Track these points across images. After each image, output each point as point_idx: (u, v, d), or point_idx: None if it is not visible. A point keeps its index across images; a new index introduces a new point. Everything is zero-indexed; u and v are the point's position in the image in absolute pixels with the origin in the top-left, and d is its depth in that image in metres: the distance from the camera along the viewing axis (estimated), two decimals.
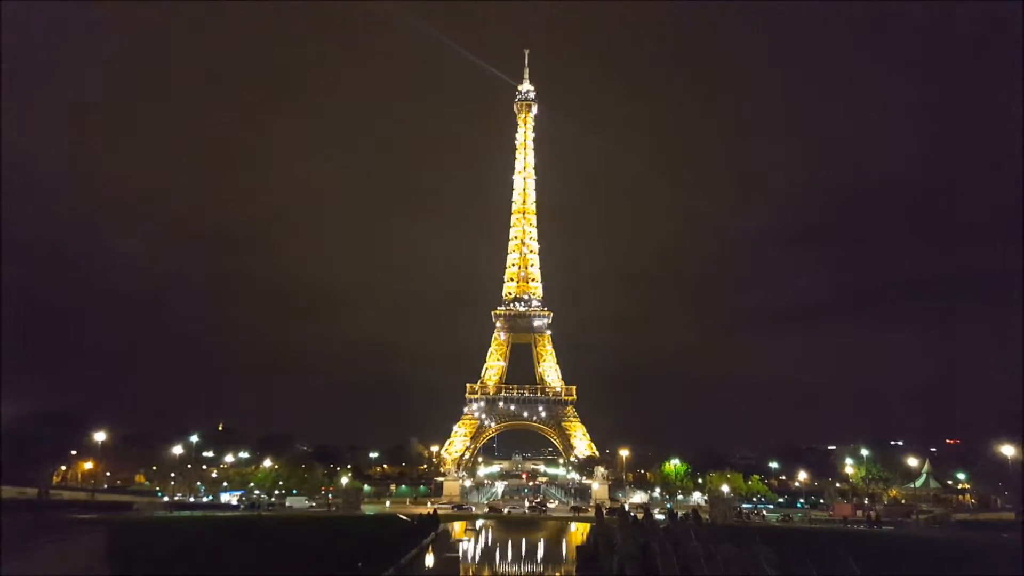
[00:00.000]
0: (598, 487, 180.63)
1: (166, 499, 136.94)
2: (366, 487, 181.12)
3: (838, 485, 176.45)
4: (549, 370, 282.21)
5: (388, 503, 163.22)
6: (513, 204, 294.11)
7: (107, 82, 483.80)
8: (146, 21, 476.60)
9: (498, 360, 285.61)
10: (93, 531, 61.72)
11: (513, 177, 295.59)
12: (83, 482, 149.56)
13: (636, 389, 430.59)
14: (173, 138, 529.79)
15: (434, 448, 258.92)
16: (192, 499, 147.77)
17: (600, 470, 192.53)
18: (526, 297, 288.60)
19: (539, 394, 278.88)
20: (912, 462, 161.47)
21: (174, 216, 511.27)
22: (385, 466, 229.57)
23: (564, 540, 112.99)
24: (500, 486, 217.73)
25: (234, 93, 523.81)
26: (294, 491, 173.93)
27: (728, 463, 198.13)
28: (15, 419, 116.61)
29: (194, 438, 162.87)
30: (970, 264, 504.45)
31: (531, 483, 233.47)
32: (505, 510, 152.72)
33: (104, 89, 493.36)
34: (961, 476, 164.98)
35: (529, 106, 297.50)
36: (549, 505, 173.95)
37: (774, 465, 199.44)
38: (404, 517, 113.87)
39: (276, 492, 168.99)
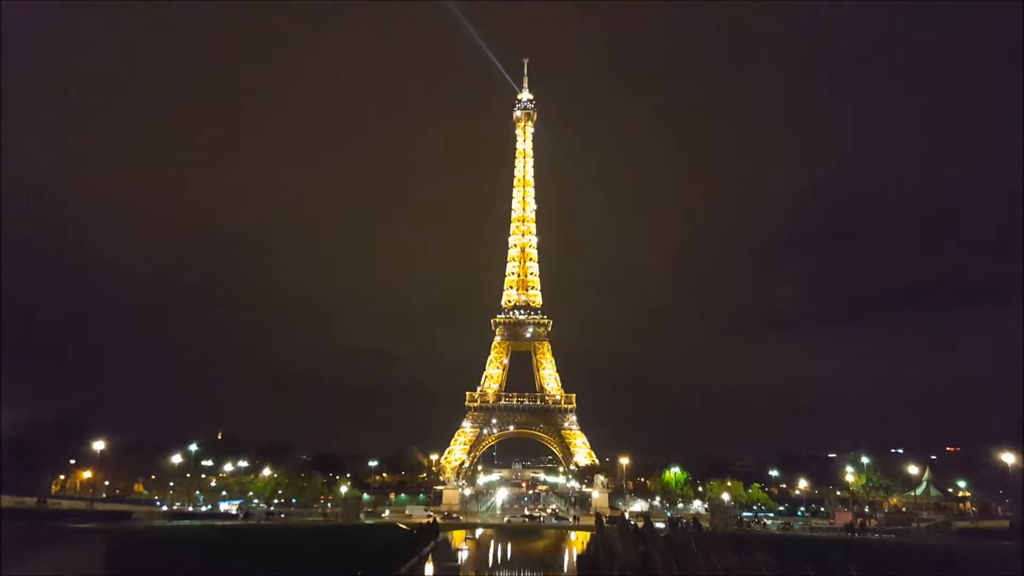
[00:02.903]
0: (598, 495, 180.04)
1: (165, 508, 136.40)
2: (365, 496, 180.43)
3: (839, 493, 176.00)
4: (549, 378, 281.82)
5: (387, 511, 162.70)
6: (512, 211, 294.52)
7: (105, 84, 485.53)
8: (144, 22, 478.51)
9: (497, 368, 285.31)
10: (92, 540, 61.47)
11: (512, 184, 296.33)
12: (82, 491, 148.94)
13: (636, 397, 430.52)
14: (172, 142, 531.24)
15: (433, 456, 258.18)
16: (191, 508, 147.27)
17: (600, 478, 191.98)
18: (525, 304, 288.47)
19: (539, 402, 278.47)
20: (912, 470, 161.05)
21: (172, 222, 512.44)
22: (384, 475, 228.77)
23: (564, 549, 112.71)
24: (500, 495, 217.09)
25: (233, 96, 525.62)
26: (293, 500, 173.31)
27: (728, 471, 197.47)
28: (13, 428, 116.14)
29: (193, 447, 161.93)
30: (970, 270, 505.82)
31: (531, 491, 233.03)
32: (506, 518, 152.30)
33: (101, 91, 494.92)
34: (962, 484, 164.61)
35: (529, 114, 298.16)
36: (547, 512, 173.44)
37: (774, 473, 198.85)
38: (404, 526, 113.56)
39: (276, 501, 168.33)
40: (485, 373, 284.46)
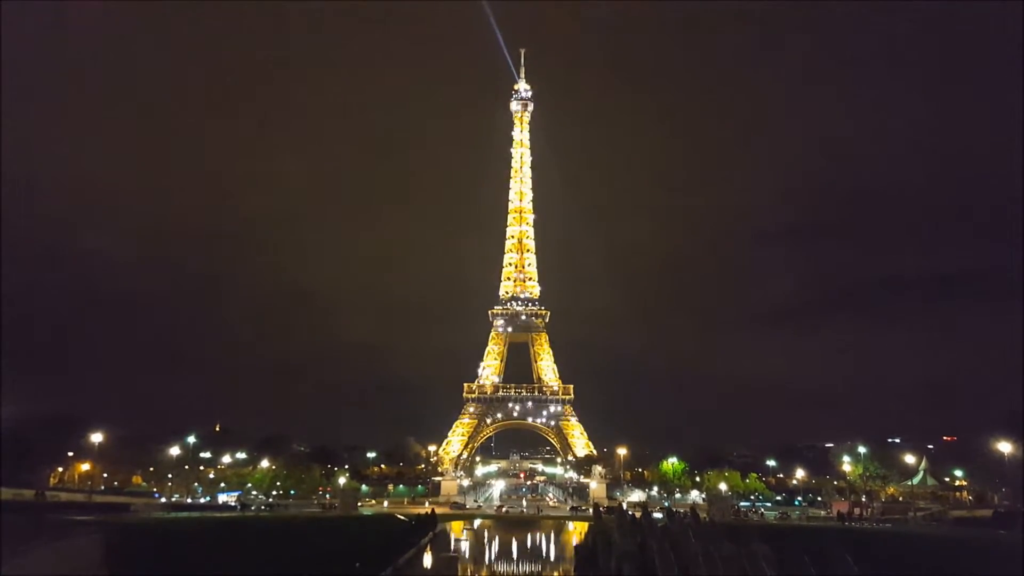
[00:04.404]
0: (596, 486, 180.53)
1: (163, 500, 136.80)
2: (364, 487, 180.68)
3: (836, 483, 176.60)
4: (546, 369, 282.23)
5: (386, 503, 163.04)
6: (509, 203, 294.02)
7: (104, 83, 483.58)
8: (144, 21, 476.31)
9: (495, 359, 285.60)
10: (91, 532, 61.59)
11: (510, 176, 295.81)
12: (80, 484, 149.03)
13: (633, 388, 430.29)
14: (170, 139, 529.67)
15: (432, 448, 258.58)
16: (189, 500, 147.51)
17: (598, 469, 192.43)
18: (523, 296, 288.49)
19: (536, 393, 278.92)
20: (909, 459, 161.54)
21: (171, 217, 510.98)
22: (383, 466, 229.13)
23: (562, 539, 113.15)
24: (498, 486, 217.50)
25: (231, 94, 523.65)
26: (292, 491, 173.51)
27: (726, 461, 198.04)
28: (12, 421, 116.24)
29: (191, 439, 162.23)
30: (968, 262, 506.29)
31: (529, 482, 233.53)
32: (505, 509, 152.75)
33: (100, 90, 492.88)
34: (958, 473, 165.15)
35: (526, 105, 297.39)
36: (549, 502, 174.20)
37: (772, 463, 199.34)
38: (402, 517, 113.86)
39: (274, 493, 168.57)
40: (483, 364, 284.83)
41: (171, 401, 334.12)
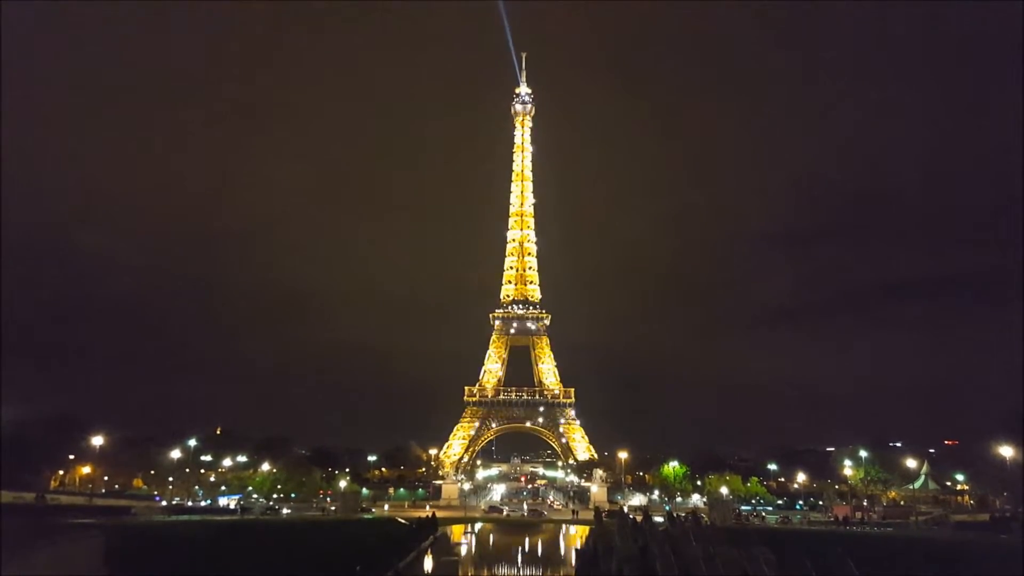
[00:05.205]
0: (597, 490, 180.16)
1: (164, 503, 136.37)
2: (364, 490, 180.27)
3: (837, 487, 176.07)
4: (547, 372, 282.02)
5: (387, 506, 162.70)
6: (511, 206, 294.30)
7: (104, 83, 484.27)
8: (144, 21, 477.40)
9: (496, 363, 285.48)
10: (91, 535, 61.47)
11: (511, 179, 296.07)
12: (81, 486, 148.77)
13: (635, 391, 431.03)
14: (170, 141, 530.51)
15: (432, 451, 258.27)
16: (190, 503, 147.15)
17: (599, 472, 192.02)
18: (524, 299, 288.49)
19: (537, 396, 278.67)
20: (911, 463, 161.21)
21: (172, 219, 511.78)
22: (383, 469, 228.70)
23: (563, 543, 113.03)
24: (498, 490, 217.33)
25: (233, 95, 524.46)
26: (292, 494, 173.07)
27: (727, 465, 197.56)
28: (12, 423, 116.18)
29: (192, 442, 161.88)
30: (968, 264, 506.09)
31: (530, 486, 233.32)
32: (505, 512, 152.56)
33: (99, 91, 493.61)
34: (960, 477, 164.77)
35: (527, 108, 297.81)
36: (552, 504, 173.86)
37: (773, 467, 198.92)
38: (403, 521, 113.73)
39: (275, 496, 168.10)
40: (484, 368, 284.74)
41: (172, 404, 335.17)
